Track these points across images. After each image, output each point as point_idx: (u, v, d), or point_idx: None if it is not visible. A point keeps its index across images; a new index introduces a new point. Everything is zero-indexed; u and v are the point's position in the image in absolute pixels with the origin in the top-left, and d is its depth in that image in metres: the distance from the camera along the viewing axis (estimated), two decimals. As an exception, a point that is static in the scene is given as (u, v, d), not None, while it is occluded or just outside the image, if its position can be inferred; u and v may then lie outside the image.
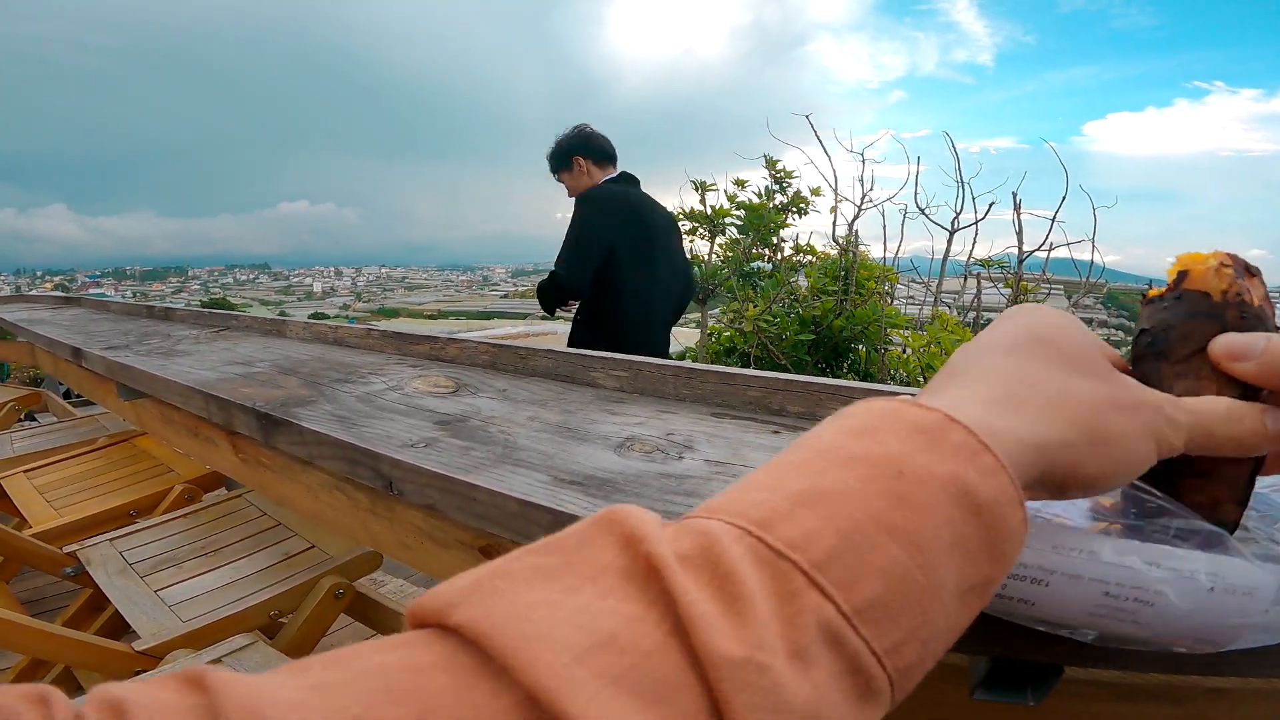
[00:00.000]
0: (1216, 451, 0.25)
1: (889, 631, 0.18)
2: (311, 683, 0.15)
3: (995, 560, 0.20)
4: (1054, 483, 0.23)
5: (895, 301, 3.16)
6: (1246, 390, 0.26)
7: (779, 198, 3.33)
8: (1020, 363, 0.24)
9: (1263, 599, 0.24)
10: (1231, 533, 0.26)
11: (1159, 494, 0.27)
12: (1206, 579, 0.24)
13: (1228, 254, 0.27)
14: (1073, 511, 0.29)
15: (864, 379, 2.43)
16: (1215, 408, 0.25)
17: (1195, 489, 0.27)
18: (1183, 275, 0.27)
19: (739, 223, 3.36)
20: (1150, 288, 0.29)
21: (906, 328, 2.82)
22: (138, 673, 0.97)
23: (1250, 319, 0.26)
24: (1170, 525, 0.26)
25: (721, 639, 0.16)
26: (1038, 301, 2.81)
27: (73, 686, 1.16)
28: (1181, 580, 0.24)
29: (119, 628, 1.19)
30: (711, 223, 3.39)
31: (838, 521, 0.18)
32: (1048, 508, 0.29)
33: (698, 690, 0.16)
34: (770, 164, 3.30)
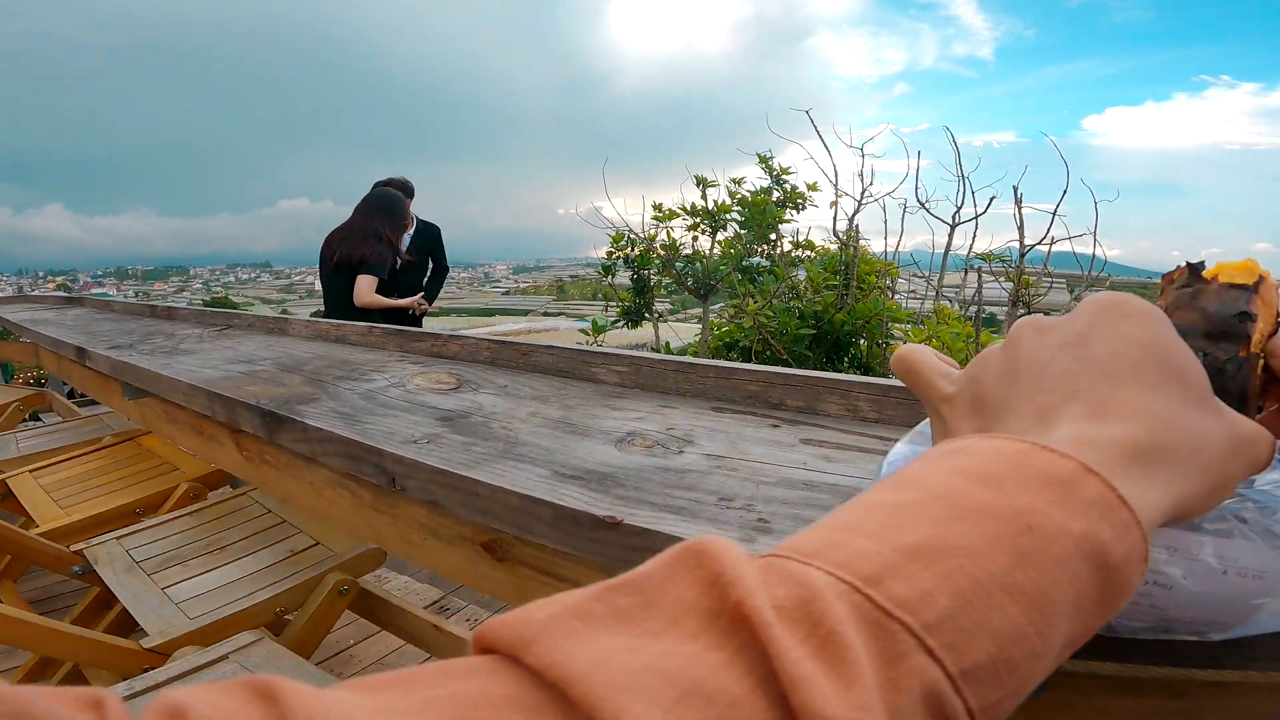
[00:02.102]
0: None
1: (990, 691, 0.17)
2: (382, 706, 0.14)
3: (1107, 614, 0.19)
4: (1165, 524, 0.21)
5: (896, 296, 3.15)
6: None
7: (776, 194, 3.33)
8: (1154, 399, 0.21)
9: (1273, 580, 0.24)
10: None
11: None
12: (1217, 562, 0.24)
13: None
14: None
15: (865, 373, 2.43)
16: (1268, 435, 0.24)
17: None
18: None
19: (739, 219, 3.36)
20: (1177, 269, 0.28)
21: (908, 322, 2.82)
22: (146, 669, 0.97)
23: None
24: None
25: (820, 701, 0.15)
26: (1039, 296, 2.81)
27: (81, 684, 1.17)
28: (1193, 563, 0.24)
29: (127, 625, 1.20)
30: (713, 218, 3.39)
31: (956, 580, 0.17)
32: None
33: None
34: (764, 161, 3.30)
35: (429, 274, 2.88)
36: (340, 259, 2.43)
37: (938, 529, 0.18)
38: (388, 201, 2.55)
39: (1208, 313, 0.27)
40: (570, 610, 0.17)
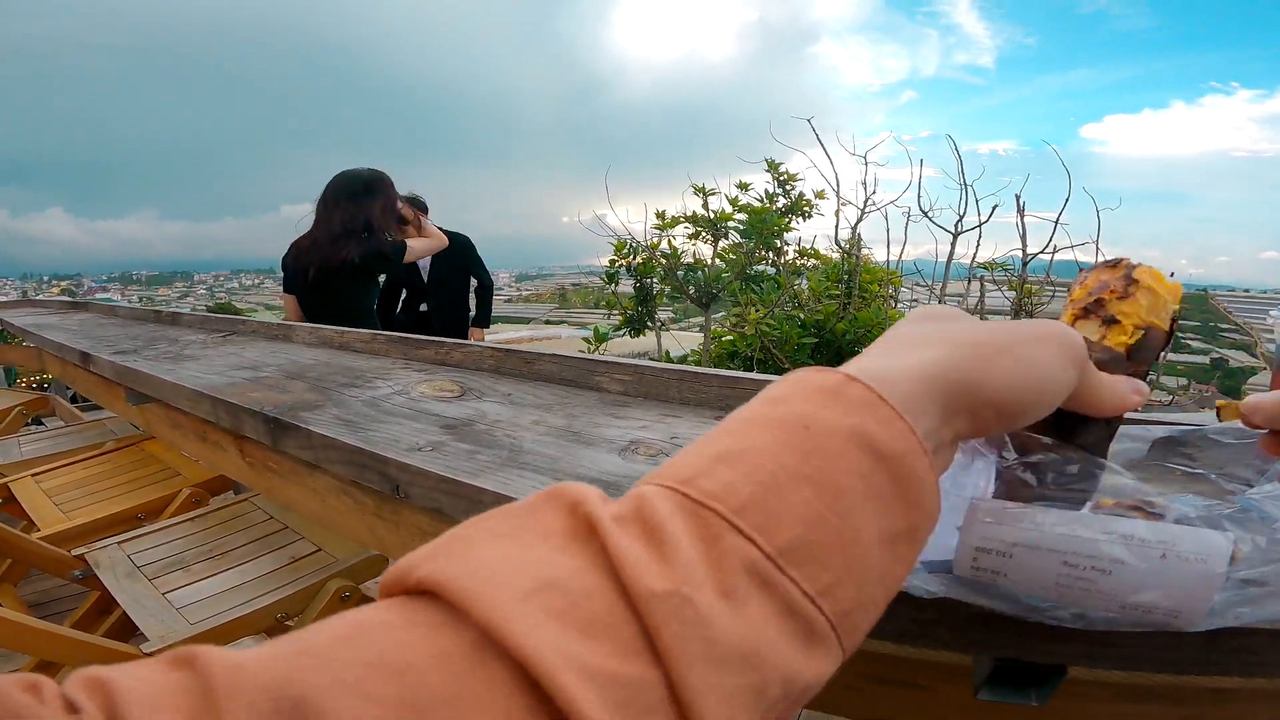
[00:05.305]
0: (1091, 399, 0.28)
1: (818, 574, 0.19)
2: (287, 644, 0.16)
3: (912, 506, 0.22)
4: (963, 407, 0.24)
5: (899, 304, 3.16)
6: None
7: (781, 201, 3.34)
8: (907, 326, 0.27)
9: (1217, 564, 0.24)
10: None
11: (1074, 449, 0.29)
12: (1157, 546, 0.24)
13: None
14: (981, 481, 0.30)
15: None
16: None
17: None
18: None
19: (741, 227, 3.37)
20: None
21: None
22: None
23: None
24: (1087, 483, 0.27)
25: (647, 576, 0.18)
26: (1041, 305, 2.81)
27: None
28: (1132, 547, 0.24)
29: (127, 630, 1.20)
30: (714, 226, 3.39)
31: (754, 474, 0.20)
32: (965, 489, 0.30)
33: (633, 625, 0.17)
34: (772, 167, 3.30)
35: (472, 291, 2.73)
36: (318, 272, 1.88)
37: (738, 439, 0.22)
38: (354, 185, 1.92)
39: None
40: (450, 537, 0.20)
